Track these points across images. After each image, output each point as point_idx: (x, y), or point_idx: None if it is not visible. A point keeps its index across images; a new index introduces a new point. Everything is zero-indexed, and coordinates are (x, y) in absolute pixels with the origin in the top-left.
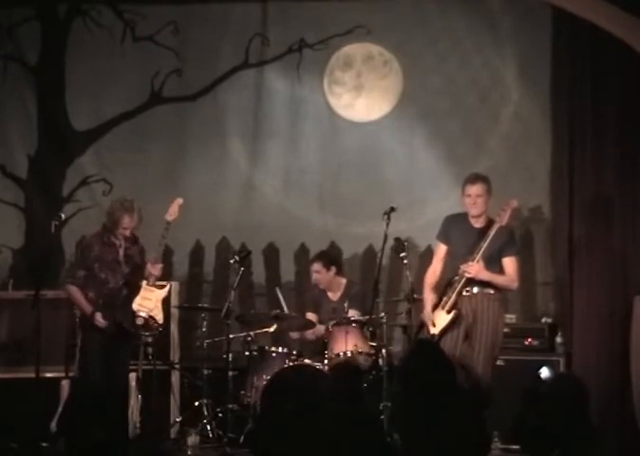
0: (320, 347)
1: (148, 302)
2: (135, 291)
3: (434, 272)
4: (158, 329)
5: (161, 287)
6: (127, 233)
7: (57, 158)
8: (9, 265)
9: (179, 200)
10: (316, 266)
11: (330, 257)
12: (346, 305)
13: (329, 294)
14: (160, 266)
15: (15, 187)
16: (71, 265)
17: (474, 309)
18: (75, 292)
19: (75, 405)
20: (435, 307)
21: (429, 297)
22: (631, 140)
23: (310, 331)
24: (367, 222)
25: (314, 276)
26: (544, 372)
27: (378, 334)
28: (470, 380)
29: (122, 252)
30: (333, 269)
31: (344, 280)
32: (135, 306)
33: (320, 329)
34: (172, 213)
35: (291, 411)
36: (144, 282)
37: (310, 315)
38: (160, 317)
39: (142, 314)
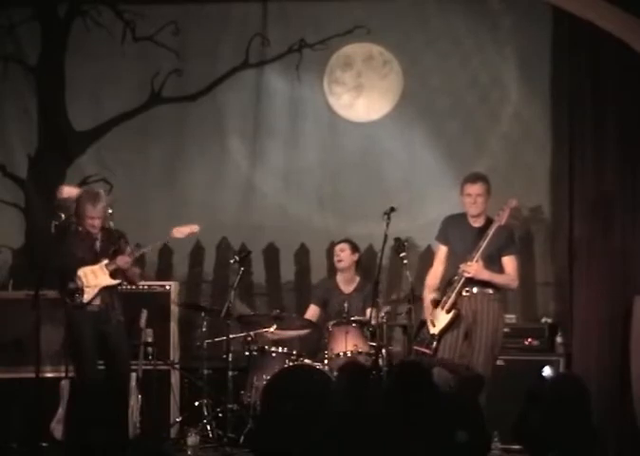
0: (321, 347)
1: (92, 278)
2: (118, 276)
3: (435, 274)
4: (79, 303)
5: (114, 278)
6: (96, 223)
7: (57, 158)
8: (9, 265)
9: (196, 228)
10: (343, 245)
11: (357, 245)
12: (353, 305)
13: (342, 287)
14: (127, 260)
15: (15, 187)
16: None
17: (473, 309)
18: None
19: (77, 405)
20: (435, 306)
21: (428, 301)
22: (632, 140)
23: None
24: (366, 222)
25: (339, 256)
26: (547, 372)
27: (378, 334)
28: (467, 378)
29: (98, 244)
30: (357, 256)
31: (358, 277)
32: (80, 271)
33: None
34: (181, 233)
35: (290, 411)
36: (105, 261)
37: (313, 309)
38: (87, 297)
39: (79, 283)
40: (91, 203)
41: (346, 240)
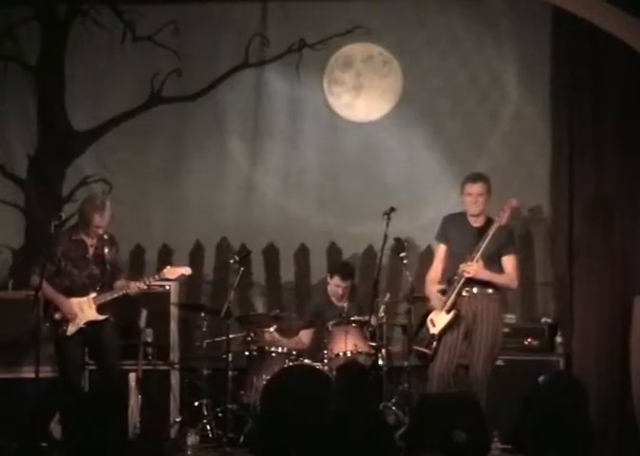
0: (320, 347)
1: (78, 311)
2: (104, 288)
3: (436, 271)
4: (61, 334)
5: (100, 312)
6: (100, 231)
7: (57, 158)
8: (9, 265)
9: (188, 271)
10: (348, 283)
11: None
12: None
13: (335, 301)
14: (138, 286)
15: (15, 187)
16: (42, 258)
17: (473, 309)
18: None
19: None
20: (443, 294)
21: (434, 290)
22: (631, 140)
23: (295, 341)
24: (366, 222)
25: (340, 291)
26: (543, 381)
27: (378, 334)
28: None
29: (91, 251)
30: None
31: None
32: (73, 300)
33: (304, 338)
34: (173, 274)
35: (290, 411)
36: (93, 294)
37: (303, 333)
38: (71, 329)
39: (59, 315)
40: (99, 214)
41: (351, 276)
